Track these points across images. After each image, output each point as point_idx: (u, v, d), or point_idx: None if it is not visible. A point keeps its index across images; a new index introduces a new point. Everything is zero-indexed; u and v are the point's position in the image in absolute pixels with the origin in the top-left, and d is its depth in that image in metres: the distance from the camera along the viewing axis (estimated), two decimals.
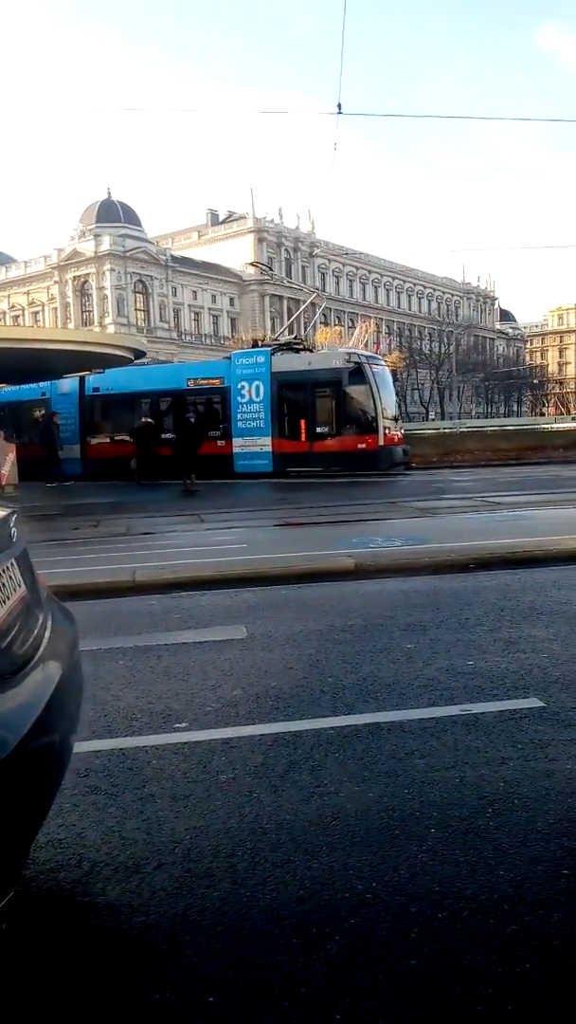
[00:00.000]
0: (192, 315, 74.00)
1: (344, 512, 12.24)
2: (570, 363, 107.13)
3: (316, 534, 10.07)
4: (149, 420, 22.22)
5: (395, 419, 22.69)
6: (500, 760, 3.01)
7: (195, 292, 73.70)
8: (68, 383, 24.34)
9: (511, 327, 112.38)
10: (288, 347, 23.59)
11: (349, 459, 20.74)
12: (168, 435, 22.76)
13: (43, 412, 24.74)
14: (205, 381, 23.17)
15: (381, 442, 21.07)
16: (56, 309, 71.03)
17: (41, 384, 25.16)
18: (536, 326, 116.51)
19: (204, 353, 56.79)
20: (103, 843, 2.54)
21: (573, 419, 41.99)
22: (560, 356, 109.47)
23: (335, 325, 75.55)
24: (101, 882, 2.32)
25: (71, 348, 20.33)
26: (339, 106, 17.18)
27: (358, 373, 21.14)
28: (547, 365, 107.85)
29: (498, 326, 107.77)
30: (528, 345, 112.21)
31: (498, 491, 15.19)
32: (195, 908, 2.17)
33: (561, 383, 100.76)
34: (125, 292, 67.33)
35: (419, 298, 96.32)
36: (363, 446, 20.99)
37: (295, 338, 25.81)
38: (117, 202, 69.07)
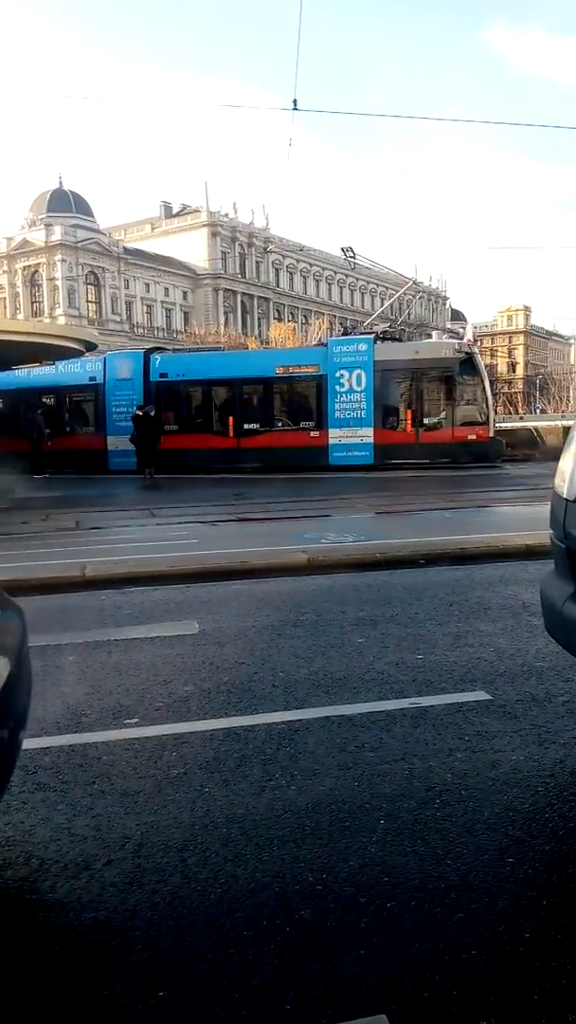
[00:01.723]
0: (145, 308, 73.22)
1: (295, 508, 12.29)
2: (519, 363, 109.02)
3: (268, 529, 10.09)
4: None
5: (496, 411, 22.56)
6: (448, 752, 3.07)
7: (148, 285, 72.93)
8: (127, 366, 22.90)
9: (461, 327, 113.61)
10: (384, 336, 22.96)
11: (459, 451, 20.36)
12: (253, 424, 22.21)
13: (93, 398, 23.37)
14: (297, 368, 22.32)
15: (491, 433, 20.88)
16: (5, 299, 69.57)
17: (88, 367, 23.63)
18: (486, 326, 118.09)
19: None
20: (52, 840, 2.51)
21: (520, 419, 42.74)
22: (509, 356, 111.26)
23: (288, 321, 75.65)
24: (50, 879, 2.30)
25: (20, 339, 19.95)
26: (295, 102, 17.28)
27: (469, 363, 20.88)
28: (496, 365, 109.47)
29: (449, 325, 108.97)
30: (478, 345, 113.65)
31: (446, 489, 15.42)
32: (146, 903, 2.17)
33: (510, 383, 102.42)
34: (76, 283, 66.31)
35: (372, 296, 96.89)
36: (474, 437, 20.67)
37: (389, 326, 25.45)
38: (69, 192, 67.93)
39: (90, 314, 66.83)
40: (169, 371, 22.86)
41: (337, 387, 21.33)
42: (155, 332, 71.56)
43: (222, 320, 71.43)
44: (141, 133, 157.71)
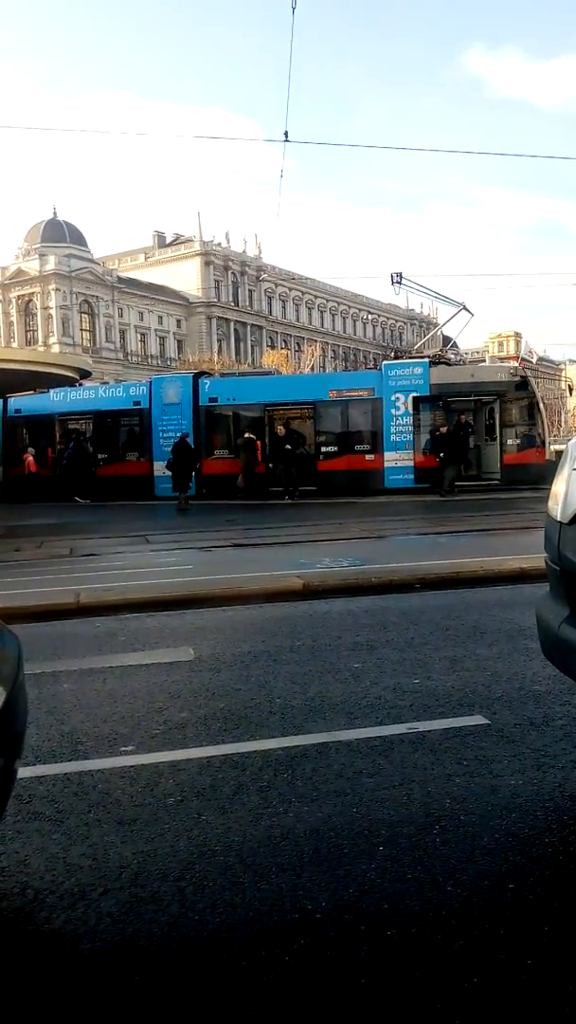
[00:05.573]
0: (139, 336, 73.74)
1: (292, 533, 12.28)
2: None
3: (263, 555, 10.07)
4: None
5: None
6: (446, 777, 3.05)
7: (142, 313, 73.53)
8: (175, 391, 22.48)
9: (453, 353, 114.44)
10: (437, 359, 22.89)
11: (518, 472, 20.41)
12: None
13: (137, 423, 23.03)
14: (352, 392, 22.09)
15: (548, 455, 20.74)
16: (0, 328, 69.99)
17: (131, 391, 23.46)
18: (477, 352, 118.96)
19: (152, 374, 56.53)
20: (47, 870, 2.48)
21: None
22: None
23: (281, 348, 76.25)
24: (46, 910, 2.26)
25: (17, 367, 20.06)
26: (286, 134, 17.57)
27: (524, 387, 20.92)
28: None
29: (450, 353, 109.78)
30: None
31: (441, 513, 15.45)
32: (143, 933, 2.14)
33: None
34: (71, 312, 66.80)
35: (364, 323, 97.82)
36: (531, 459, 20.73)
37: (440, 350, 25.53)
38: (63, 222, 68.66)
39: (84, 342, 67.25)
40: (220, 395, 22.58)
41: (393, 410, 21.17)
42: (149, 360, 72.06)
43: (215, 348, 72.02)
44: (134, 163, 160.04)
